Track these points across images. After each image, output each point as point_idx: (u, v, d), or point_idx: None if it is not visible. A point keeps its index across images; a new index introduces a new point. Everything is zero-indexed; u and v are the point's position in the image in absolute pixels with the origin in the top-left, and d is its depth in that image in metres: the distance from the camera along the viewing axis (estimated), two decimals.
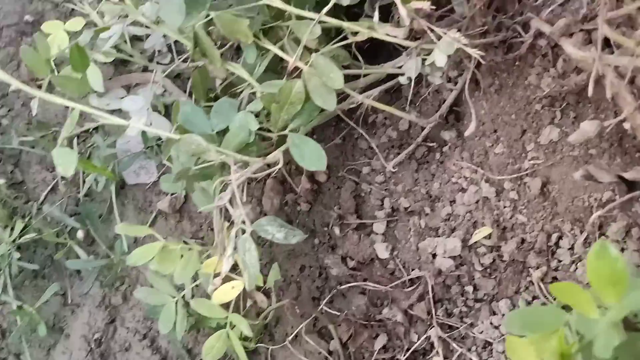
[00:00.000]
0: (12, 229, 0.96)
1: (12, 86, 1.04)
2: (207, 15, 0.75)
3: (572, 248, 0.76)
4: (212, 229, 0.91)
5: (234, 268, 0.75)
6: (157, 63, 1.10)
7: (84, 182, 1.02)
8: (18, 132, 1.07)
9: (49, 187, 1.05)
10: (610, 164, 0.74)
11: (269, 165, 0.78)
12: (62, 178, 1.04)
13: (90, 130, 1.09)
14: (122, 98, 1.07)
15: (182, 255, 0.78)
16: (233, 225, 0.70)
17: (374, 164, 0.92)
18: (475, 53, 0.68)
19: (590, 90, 0.61)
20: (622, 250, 0.72)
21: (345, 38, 0.80)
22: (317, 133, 0.99)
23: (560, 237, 0.77)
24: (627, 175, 0.59)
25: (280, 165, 0.75)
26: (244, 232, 0.68)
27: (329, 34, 0.85)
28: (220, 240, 0.72)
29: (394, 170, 0.89)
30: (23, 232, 0.97)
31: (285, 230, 0.69)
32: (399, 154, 0.89)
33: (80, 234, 1.00)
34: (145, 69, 1.11)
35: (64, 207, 1.01)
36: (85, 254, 0.98)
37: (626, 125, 0.65)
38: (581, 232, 0.76)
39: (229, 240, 0.69)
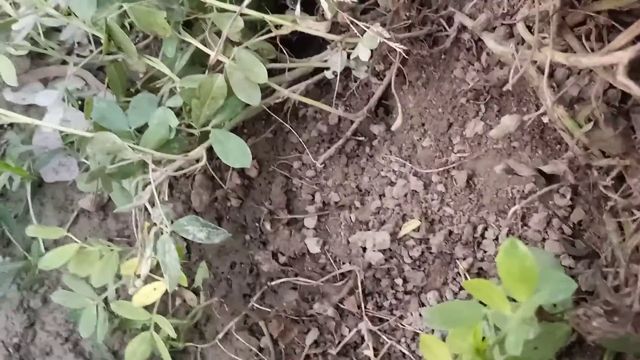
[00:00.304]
0: None
1: None
2: (121, 7, 0.71)
3: (496, 239, 0.78)
4: (137, 226, 0.88)
5: (158, 267, 0.73)
6: (77, 55, 1.04)
7: None
8: None
9: None
10: (532, 156, 0.75)
11: (197, 160, 0.76)
12: None
13: (5, 125, 1.03)
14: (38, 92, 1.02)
15: (101, 257, 0.74)
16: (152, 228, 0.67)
17: (304, 158, 0.91)
18: (398, 47, 0.68)
19: (509, 86, 0.62)
20: (544, 240, 0.74)
21: (269, 32, 0.78)
22: (248, 127, 0.96)
23: (485, 229, 0.78)
24: (545, 169, 0.61)
25: (202, 163, 0.73)
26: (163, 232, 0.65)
27: (254, 27, 0.83)
28: (141, 241, 0.69)
29: (324, 165, 0.88)
30: None
31: (208, 230, 0.66)
32: (329, 147, 0.88)
33: None
34: (64, 62, 1.04)
35: None
36: (1, 256, 0.92)
37: (545, 119, 0.66)
38: (503, 220, 0.77)
39: (148, 241, 0.66)
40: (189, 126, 0.75)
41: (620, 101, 0.65)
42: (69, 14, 0.79)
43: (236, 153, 0.71)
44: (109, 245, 0.74)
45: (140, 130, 0.75)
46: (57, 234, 0.75)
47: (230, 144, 0.72)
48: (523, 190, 0.76)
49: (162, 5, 0.75)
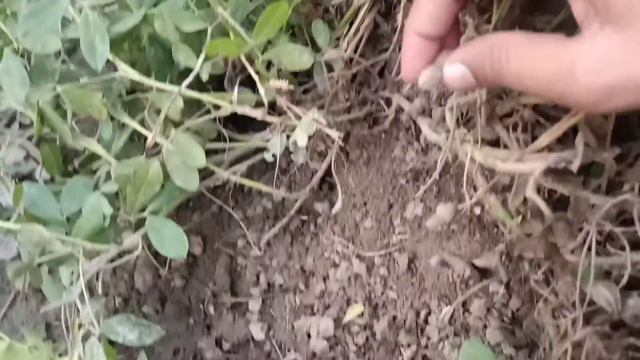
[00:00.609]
0: None
1: None
2: (54, 89, 0.70)
3: (438, 327, 0.77)
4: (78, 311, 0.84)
5: None
6: (20, 124, 1.02)
7: None
8: None
9: None
10: (471, 240, 0.76)
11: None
12: None
13: None
14: None
15: (31, 353, 0.70)
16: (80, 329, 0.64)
17: (249, 235, 0.89)
18: (334, 133, 0.68)
19: (436, 174, 0.63)
20: (485, 327, 0.74)
21: (208, 112, 0.77)
22: (193, 200, 0.95)
23: (428, 314, 0.77)
24: (478, 262, 0.61)
25: (138, 252, 0.71)
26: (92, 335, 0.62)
27: (196, 105, 0.82)
28: (71, 340, 0.66)
29: (269, 244, 0.87)
30: None
31: (139, 330, 0.63)
32: (274, 225, 0.87)
33: None
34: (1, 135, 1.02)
35: None
36: None
37: (477, 210, 0.67)
38: (446, 305, 0.77)
39: (75, 343, 0.63)
40: (125, 212, 0.73)
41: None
42: None
43: (172, 242, 0.69)
44: (41, 340, 0.71)
45: (75, 214, 0.73)
46: None
47: (166, 232, 0.70)
48: (463, 275, 0.76)
49: (99, 85, 0.74)
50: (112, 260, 0.70)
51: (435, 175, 0.61)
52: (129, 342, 0.63)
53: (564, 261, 0.52)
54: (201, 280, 0.89)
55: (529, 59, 0.36)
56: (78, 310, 0.65)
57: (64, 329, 0.69)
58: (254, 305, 0.84)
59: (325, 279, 0.83)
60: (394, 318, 0.78)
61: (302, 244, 0.87)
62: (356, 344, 0.78)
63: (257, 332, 0.82)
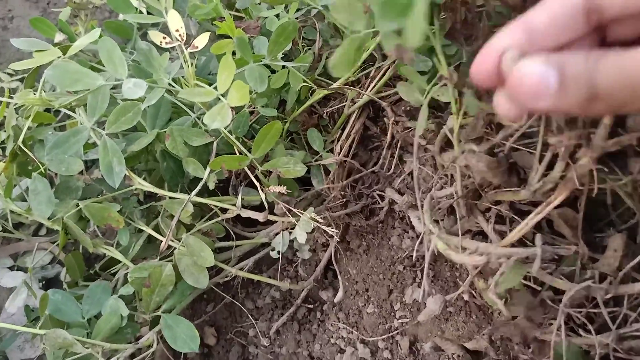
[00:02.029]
0: None
1: None
2: (77, 205, 0.78)
3: None
4: None
5: None
6: (47, 228, 1.11)
7: None
8: None
9: None
10: (467, 321, 0.79)
11: (149, 346, 0.78)
12: None
13: None
14: (8, 268, 1.06)
15: None
16: None
17: (259, 325, 0.93)
18: (330, 230, 0.74)
19: (426, 265, 0.67)
20: None
21: (215, 215, 0.84)
22: (207, 293, 1.00)
23: None
24: (469, 346, 0.64)
25: (153, 349, 0.76)
26: None
27: (205, 208, 0.90)
28: None
29: (278, 332, 0.91)
30: None
31: None
32: (282, 313, 0.92)
33: None
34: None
35: None
36: None
37: (466, 296, 0.71)
38: None
39: None
40: (142, 312, 0.79)
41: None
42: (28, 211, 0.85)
43: (184, 338, 0.74)
44: None
45: (96, 316, 0.79)
46: None
47: (179, 329, 0.75)
48: (460, 355, 0.79)
49: (118, 197, 0.82)
50: (131, 357, 0.75)
51: (427, 264, 0.66)
52: None
53: (542, 343, 0.56)
54: None
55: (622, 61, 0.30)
56: None
57: None
58: None
59: None
60: None
61: (309, 332, 0.90)
62: None
63: None
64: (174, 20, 0.62)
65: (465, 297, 0.72)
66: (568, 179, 0.52)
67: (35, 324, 0.99)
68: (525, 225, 0.58)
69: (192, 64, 0.72)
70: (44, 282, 1.02)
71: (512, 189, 0.63)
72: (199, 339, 0.74)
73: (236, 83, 0.63)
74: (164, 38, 0.63)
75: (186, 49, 0.64)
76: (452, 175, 0.75)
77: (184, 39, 0.64)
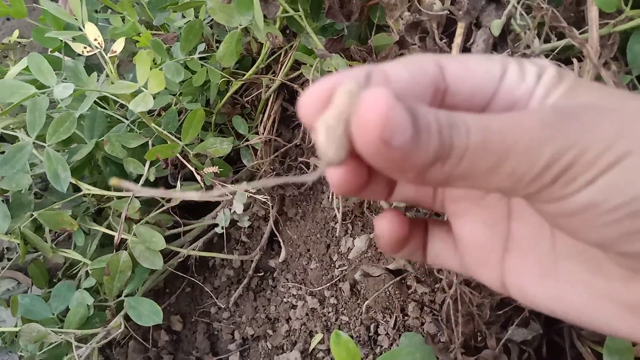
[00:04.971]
0: None
1: None
2: (32, 215, 0.85)
3: (387, 333, 0.89)
4: None
5: None
6: (7, 259, 1.16)
7: None
8: None
9: None
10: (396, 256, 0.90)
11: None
12: None
13: None
14: None
15: None
16: None
17: (219, 301, 1.01)
18: (262, 198, 0.84)
19: (339, 226, 0.77)
20: (422, 324, 0.87)
21: (162, 206, 0.93)
22: (169, 286, 1.07)
23: (377, 326, 0.90)
24: (391, 267, 0.75)
25: (122, 329, 0.83)
26: None
27: (151, 204, 0.98)
28: None
29: (236, 304, 1.00)
30: None
31: None
32: (237, 288, 1.00)
33: None
34: None
35: None
36: None
37: None
38: (390, 316, 0.89)
39: None
40: (107, 299, 0.86)
41: None
42: None
43: (148, 313, 0.82)
44: None
45: (64, 314, 0.85)
46: None
47: (142, 307, 0.82)
48: (388, 292, 0.89)
49: (68, 204, 0.89)
50: (109, 345, 0.82)
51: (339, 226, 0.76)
52: None
53: None
54: (185, 351, 1.00)
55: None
56: None
57: None
58: (234, 358, 0.95)
59: (288, 320, 0.95)
60: (351, 337, 0.90)
61: (264, 297, 0.99)
62: None
63: None
64: (92, 31, 0.71)
65: None
66: None
67: (11, 345, 1.04)
68: None
69: (113, 66, 0.80)
70: None
71: None
72: (161, 312, 0.82)
73: (153, 72, 0.72)
74: (85, 48, 0.72)
75: (106, 54, 0.73)
76: None
77: (103, 46, 0.72)
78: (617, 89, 0.28)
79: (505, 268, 0.32)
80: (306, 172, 0.98)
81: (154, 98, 0.69)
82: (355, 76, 0.26)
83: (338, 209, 0.88)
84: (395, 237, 0.33)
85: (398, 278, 0.75)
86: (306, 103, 0.27)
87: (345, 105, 0.25)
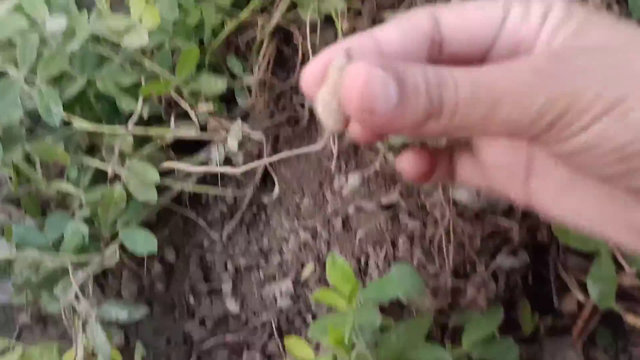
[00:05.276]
0: None
1: None
2: (24, 148, 0.84)
3: (378, 266, 0.92)
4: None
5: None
6: None
7: None
8: None
9: None
10: (387, 192, 0.92)
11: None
12: None
13: None
14: None
15: (42, 356, 0.83)
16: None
17: (212, 235, 1.03)
18: (255, 134, 0.84)
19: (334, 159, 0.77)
20: (411, 256, 0.89)
21: (155, 142, 0.92)
22: (162, 220, 1.09)
23: (367, 259, 0.93)
24: (383, 201, 0.76)
25: (117, 258, 0.84)
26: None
27: (143, 142, 0.97)
28: (74, 333, 0.79)
29: (230, 237, 1.02)
30: None
31: (128, 309, 0.77)
32: (231, 222, 1.02)
33: None
34: None
35: None
36: None
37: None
38: (380, 249, 0.92)
39: (77, 331, 0.76)
40: (100, 230, 0.87)
41: None
42: None
43: (142, 242, 0.83)
44: (48, 346, 0.83)
45: (59, 243, 0.86)
46: (3, 345, 0.84)
47: (137, 236, 0.83)
48: (380, 225, 0.91)
49: (60, 140, 0.89)
50: (103, 274, 0.84)
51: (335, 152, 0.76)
52: (122, 320, 0.76)
53: None
54: (179, 280, 1.02)
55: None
56: (75, 310, 0.78)
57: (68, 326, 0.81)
58: (226, 286, 0.98)
59: (280, 252, 0.97)
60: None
61: (257, 231, 1.01)
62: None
63: (233, 306, 0.96)
64: None
65: (378, 167, 0.84)
66: None
67: (4, 272, 1.06)
68: None
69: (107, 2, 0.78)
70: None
71: None
72: (155, 241, 0.84)
73: (147, 7, 0.71)
74: None
75: None
76: None
77: None
78: (631, 23, 0.28)
79: (528, 188, 0.35)
80: (301, 113, 0.99)
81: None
82: (346, 49, 0.29)
83: (334, 144, 0.89)
84: (418, 173, 0.37)
85: (390, 213, 0.77)
86: (306, 79, 0.31)
87: (337, 80, 0.28)
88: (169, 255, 1.04)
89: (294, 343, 0.57)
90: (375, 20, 0.75)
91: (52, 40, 0.75)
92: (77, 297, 0.77)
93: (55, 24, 0.69)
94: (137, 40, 0.69)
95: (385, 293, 0.61)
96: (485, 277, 0.64)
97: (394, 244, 0.91)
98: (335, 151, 0.93)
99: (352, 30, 0.78)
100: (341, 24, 0.74)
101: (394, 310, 0.77)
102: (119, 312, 0.76)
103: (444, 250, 0.67)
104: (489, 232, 0.66)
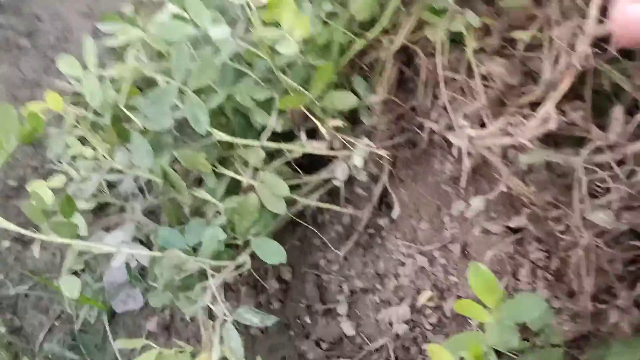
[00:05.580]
0: None
1: (4, 243, 1.18)
2: (171, 155, 0.94)
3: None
4: (198, 341, 1.02)
5: None
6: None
7: (77, 317, 1.13)
8: (13, 283, 1.20)
9: (46, 329, 1.16)
10: (507, 220, 0.92)
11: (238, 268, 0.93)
12: (58, 317, 1.15)
13: (78, 271, 1.23)
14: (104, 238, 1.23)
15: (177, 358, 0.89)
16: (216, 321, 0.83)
17: (328, 255, 1.07)
18: (383, 152, 0.88)
19: (464, 178, 0.80)
20: (534, 289, 0.88)
21: (285, 157, 0.99)
22: (278, 239, 1.14)
23: None
24: (511, 224, 0.77)
25: (248, 266, 0.90)
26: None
27: (272, 155, 1.05)
28: (207, 335, 0.85)
29: (346, 258, 1.05)
30: None
31: (260, 315, 0.82)
32: (347, 244, 1.06)
33: None
34: (121, 211, 1.27)
35: (61, 342, 1.11)
36: None
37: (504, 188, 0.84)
38: (500, 280, 0.91)
39: (214, 332, 0.81)
40: (234, 238, 0.94)
41: None
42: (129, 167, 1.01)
43: (272, 253, 0.89)
44: (181, 347, 0.90)
45: (195, 248, 0.94)
46: (139, 344, 0.91)
47: (267, 247, 0.89)
48: (509, 251, 0.91)
49: (201, 148, 0.98)
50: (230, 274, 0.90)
51: (464, 174, 0.79)
52: (255, 324, 0.81)
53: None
54: (294, 299, 1.07)
55: None
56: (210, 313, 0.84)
57: (201, 331, 0.87)
58: (342, 308, 1.01)
59: (396, 276, 0.99)
60: (459, 297, 0.93)
61: (372, 254, 1.04)
62: (431, 323, 0.93)
63: (348, 329, 0.98)
64: None
65: (504, 188, 0.85)
66: (571, 65, 0.66)
67: (136, 280, 1.16)
68: (544, 113, 0.71)
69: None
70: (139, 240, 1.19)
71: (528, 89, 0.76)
72: (284, 252, 0.89)
73: (298, 18, 0.78)
74: None
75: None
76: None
77: None
78: None
79: None
80: (420, 135, 1.02)
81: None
82: None
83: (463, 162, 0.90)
84: None
85: (516, 237, 0.77)
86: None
87: None
88: (285, 274, 1.09)
89: (437, 351, 0.58)
90: (506, 39, 0.78)
91: (206, 49, 0.83)
92: (213, 300, 0.83)
93: (220, 31, 0.78)
94: (288, 50, 0.76)
95: (515, 317, 0.61)
96: (629, 303, 0.62)
97: (514, 275, 0.90)
98: (466, 166, 0.95)
99: (481, 50, 0.81)
100: (471, 42, 0.77)
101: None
102: (252, 317, 0.81)
103: (583, 274, 0.66)
104: (630, 258, 0.65)
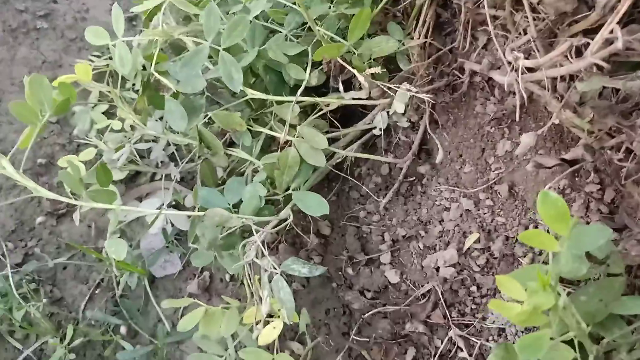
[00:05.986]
0: (64, 335, 1.07)
1: (38, 219, 1.19)
2: (205, 116, 0.92)
3: (548, 231, 0.89)
4: (239, 299, 1.02)
5: (269, 315, 0.87)
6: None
7: (117, 284, 1.14)
8: (50, 256, 1.20)
9: (87, 297, 1.17)
10: (556, 156, 0.89)
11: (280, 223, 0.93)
12: (97, 286, 1.16)
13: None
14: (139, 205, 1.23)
15: (224, 314, 0.89)
16: (262, 275, 0.82)
17: (367, 207, 1.07)
18: (425, 96, 0.86)
19: (517, 112, 0.77)
20: (587, 223, 0.86)
21: (320, 111, 0.97)
22: (317, 190, 1.14)
23: (536, 226, 0.91)
24: (567, 156, 0.74)
25: (290, 219, 0.89)
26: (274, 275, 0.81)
27: (306, 111, 1.03)
28: (255, 290, 0.84)
29: (386, 208, 1.04)
30: (72, 338, 1.07)
31: (308, 266, 0.81)
32: (386, 194, 1.05)
33: (123, 329, 1.10)
34: (152, 179, 1.26)
35: (104, 309, 1.13)
36: (131, 345, 1.08)
37: (556, 121, 0.81)
38: None
39: (263, 286, 0.81)
40: (274, 195, 0.93)
41: None
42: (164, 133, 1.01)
43: (315, 205, 0.88)
44: (227, 303, 0.90)
45: (236, 206, 0.93)
46: (186, 303, 0.92)
47: (309, 200, 0.88)
48: (559, 187, 0.89)
49: (233, 108, 0.96)
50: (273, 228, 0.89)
51: (517, 112, 0.76)
52: (303, 274, 0.80)
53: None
54: (335, 252, 1.06)
55: None
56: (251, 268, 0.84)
57: (245, 287, 0.87)
58: (385, 257, 1.00)
59: (440, 222, 0.98)
60: (507, 237, 0.92)
61: (414, 201, 1.03)
62: (479, 265, 0.92)
63: (393, 277, 0.98)
64: None
65: (556, 121, 0.82)
66: None
67: (172, 244, 1.16)
68: (600, 38, 0.67)
69: None
70: (173, 204, 1.18)
71: (583, 15, 0.73)
72: (327, 204, 0.88)
73: None
74: None
75: None
76: (525, 30, 0.84)
77: None
78: None
79: None
80: (459, 78, 0.99)
81: None
82: None
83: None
84: None
85: (568, 170, 0.75)
86: None
87: None
88: (324, 229, 1.08)
89: (504, 281, 0.57)
90: None
91: (234, 8, 0.81)
92: (259, 255, 0.82)
93: None
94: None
95: (583, 246, 0.59)
96: None
97: (569, 207, 0.88)
98: (493, 114, 0.92)
99: None
100: None
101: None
102: (301, 268, 0.80)
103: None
104: None
